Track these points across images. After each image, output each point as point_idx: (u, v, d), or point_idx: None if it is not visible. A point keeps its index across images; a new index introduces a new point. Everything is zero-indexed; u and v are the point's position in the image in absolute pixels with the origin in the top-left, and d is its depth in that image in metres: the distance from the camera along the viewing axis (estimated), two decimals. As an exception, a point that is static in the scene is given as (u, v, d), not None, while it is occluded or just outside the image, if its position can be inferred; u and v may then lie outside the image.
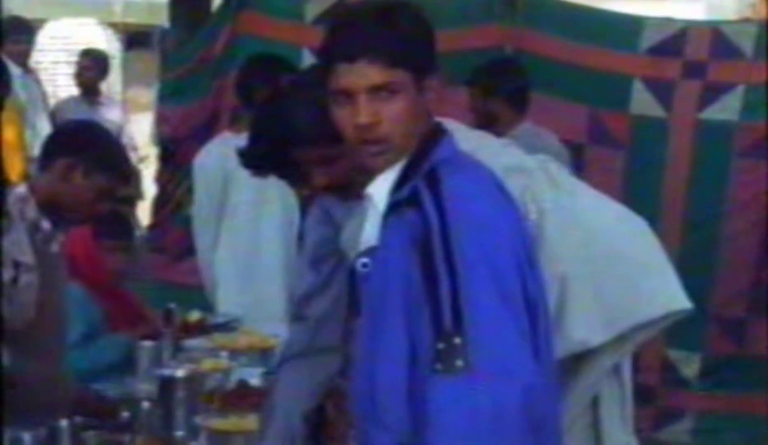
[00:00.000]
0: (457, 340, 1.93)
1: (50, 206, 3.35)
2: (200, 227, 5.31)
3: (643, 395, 5.48)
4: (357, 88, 2.05)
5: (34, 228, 3.29)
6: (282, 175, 2.71)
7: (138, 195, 4.83)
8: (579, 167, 5.52)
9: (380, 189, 2.10)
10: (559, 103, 5.54)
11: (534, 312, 2.02)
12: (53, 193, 3.36)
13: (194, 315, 4.60)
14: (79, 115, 7.73)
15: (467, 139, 2.34)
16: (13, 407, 2.98)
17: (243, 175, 5.17)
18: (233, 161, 5.36)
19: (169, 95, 6.13)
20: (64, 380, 3.50)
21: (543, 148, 3.56)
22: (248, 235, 5.26)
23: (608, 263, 2.71)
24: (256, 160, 2.68)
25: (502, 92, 4.93)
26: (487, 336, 1.93)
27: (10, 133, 6.27)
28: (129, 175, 3.62)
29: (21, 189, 3.38)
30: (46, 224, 3.31)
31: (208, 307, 5.13)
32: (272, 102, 2.70)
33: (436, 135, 2.12)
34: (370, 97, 2.05)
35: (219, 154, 5.23)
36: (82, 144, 3.41)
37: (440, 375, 1.93)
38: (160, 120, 6.34)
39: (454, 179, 2.04)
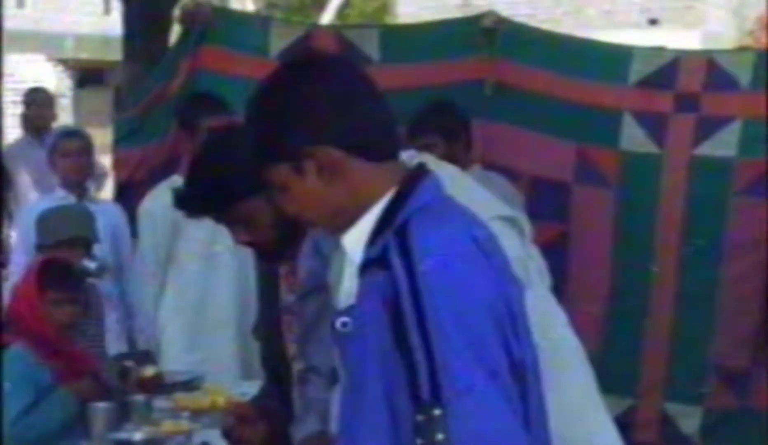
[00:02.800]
0: (437, 411, 1.92)
1: None
2: (144, 278, 5.29)
3: (639, 453, 5.49)
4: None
5: None
6: (217, 220, 2.83)
7: (94, 237, 4.81)
8: (565, 208, 5.55)
9: (355, 241, 2.10)
10: (543, 140, 5.56)
11: (521, 377, 2.02)
12: None
13: (149, 370, 4.58)
14: (29, 158, 7.74)
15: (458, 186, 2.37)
16: None
17: (192, 223, 5.26)
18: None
19: (124, 136, 6.12)
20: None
21: (496, 196, 3.59)
22: (197, 287, 5.25)
23: None
24: (187, 204, 2.83)
25: (442, 133, 4.94)
26: (467, 406, 1.92)
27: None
28: None
29: None
30: None
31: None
32: (206, 146, 2.84)
33: (414, 181, 2.12)
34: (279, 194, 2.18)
35: (167, 200, 5.21)
36: None
37: None
38: (116, 163, 6.33)
39: (426, 237, 2.02)
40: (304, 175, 2.10)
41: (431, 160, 4.00)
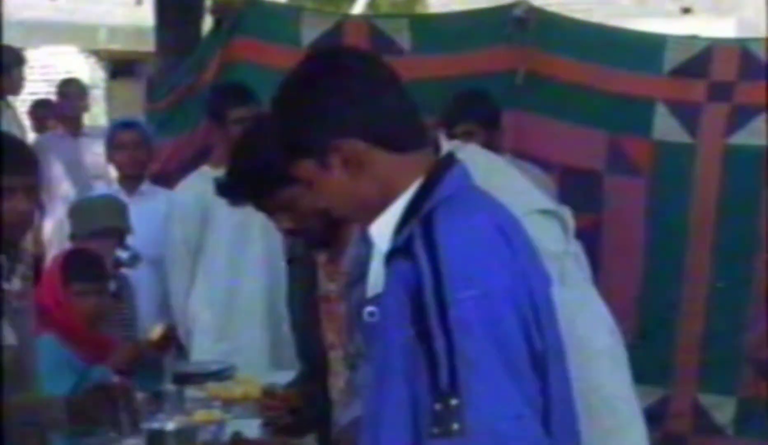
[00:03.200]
0: (454, 401, 1.93)
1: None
2: (174, 269, 5.31)
3: (673, 444, 5.48)
4: None
5: None
6: (259, 208, 2.82)
7: (127, 228, 4.83)
8: (597, 198, 5.54)
9: (382, 230, 2.12)
10: (575, 129, 5.56)
11: (543, 369, 2.02)
12: None
13: (155, 330, 4.58)
14: (62, 150, 7.79)
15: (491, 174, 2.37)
16: None
17: (223, 212, 5.30)
18: (212, 199, 5.46)
19: (156, 128, 6.15)
20: (49, 401, 3.53)
21: None
22: (227, 278, 5.26)
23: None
24: (230, 191, 2.82)
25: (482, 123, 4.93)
26: (484, 398, 1.93)
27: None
28: (20, 165, 3.56)
29: None
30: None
31: (182, 354, 5.14)
32: (246, 134, 2.84)
33: (441, 170, 2.12)
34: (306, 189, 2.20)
35: (197, 189, 5.25)
36: None
37: (437, 439, 1.94)
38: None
39: (451, 226, 2.03)
40: (329, 169, 2.11)
41: (475, 150, 4.02)
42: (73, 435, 3.96)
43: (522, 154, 5.31)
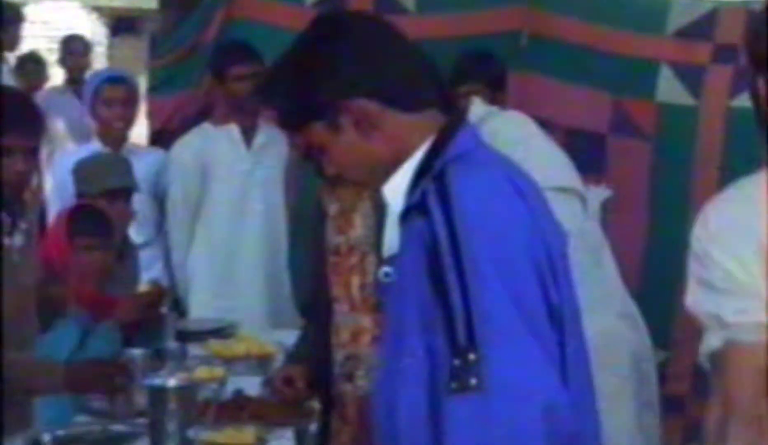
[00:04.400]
0: (472, 356, 1.93)
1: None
2: (174, 225, 5.32)
3: (672, 406, 5.50)
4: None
5: None
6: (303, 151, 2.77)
7: (134, 187, 4.82)
8: (601, 160, 5.54)
9: (395, 190, 2.12)
10: (579, 91, 5.55)
11: (559, 322, 2.03)
12: None
13: (142, 287, 4.59)
14: (64, 106, 7.78)
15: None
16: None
17: (223, 169, 5.29)
18: (212, 155, 5.43)
19: (158, 84, 6.14)
20: (48, 367, 3.56)
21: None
22: (227, 235, 5.28)
23: None
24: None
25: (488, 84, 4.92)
26: (502, 352, 1.94)
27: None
28: (24, 123, 3.51)
29: None
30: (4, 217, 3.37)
31: (181, 311, 5.16)
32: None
33: (452, 129, 2.13)
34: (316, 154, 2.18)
35: (196, 146, 5.26)
36: None
37: (455, 394, 1.94)
38: (150, 111, 6.36)
39: (465, 180, 2.03)
40: (340, 131, 2.11)
41: (511, 119, 4.01)
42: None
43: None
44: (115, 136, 5.44)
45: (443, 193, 2.02)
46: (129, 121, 5.52)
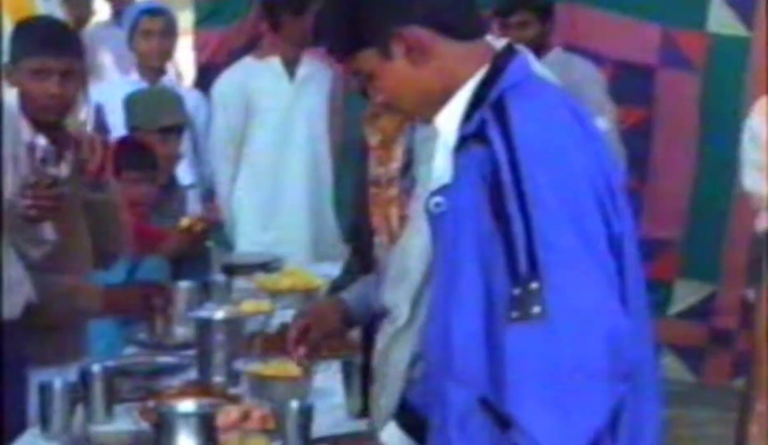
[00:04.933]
0: (534, 285, 1.92)
1: (36, 121, 3.48)
2: (218, 159, 5.34)
3: (720, 340, 5.49)
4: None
5: (30, 150, 3.38)
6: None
7: (187, 123, 4.83)
8: (649, 93, 5.50)
9: (449, 121, 2.10)
10: (628, 23, 5.49)
11: (619, 250, 2.01)
12: (25, 105, 3.50)
13: (184, 221, 4.59)
14: (111, 41, 7.76)
15: None
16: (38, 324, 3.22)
17: (267, 102, 5.28)
18: (255, 89, 5.43)
19: (204, 18, 6.13)
20: (90, 289, 3.62)
21: (576, 80, 3.55)
22: (271, 168, 5.28)
23: None
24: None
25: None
26: (564, 280, 1.92)
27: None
28: (55, 44, 3.56)
29: (13, 109, 3.50)
30: (41, 142, 3.39)
31: (227, 245, 5.18)
32: None
33: (506, 58, 2.10)
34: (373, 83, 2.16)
35: (239, 80, 5.26)
36: (10, 41, 3.54)
37: (516, 324, 1.93)
38: (197, 45, 6.35)
39: (524, 107, 2.01)
40: (392, 58, 2.09)
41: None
42: (124, 323, 4.04)
43: (574, 48, 5.26)
44: (153, 68, 5.46)
45: (503, 120, 2.00)
46: (167, 53, 5.53)
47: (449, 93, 2.09)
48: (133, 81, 5.40)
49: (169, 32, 5.51)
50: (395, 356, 2.65)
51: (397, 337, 2.67)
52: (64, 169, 3.41)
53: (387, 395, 2.57)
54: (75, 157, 3.50)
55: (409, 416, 2.28)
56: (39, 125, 3.53)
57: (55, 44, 3.51)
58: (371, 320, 2.87)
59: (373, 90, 2.17)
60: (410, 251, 2.65)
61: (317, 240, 5.29)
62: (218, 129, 5.32)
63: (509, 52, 2.12)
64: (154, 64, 5.47)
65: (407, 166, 2.92)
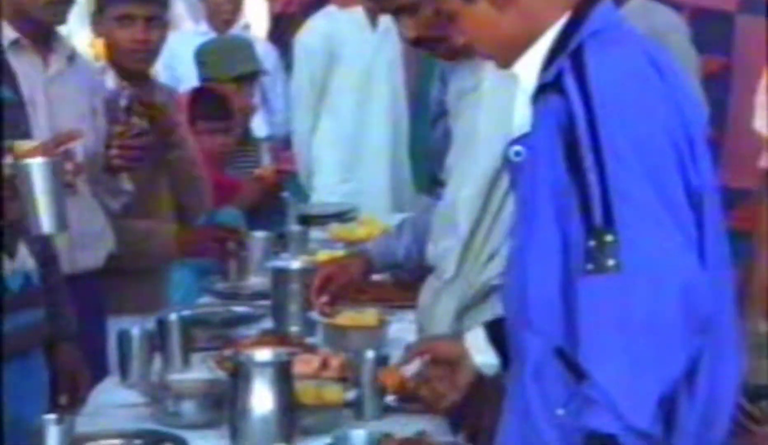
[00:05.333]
0: (609, 237, 1.91)
1: (121, 68, 3.58)
2: (299, 109, 5.35)
3: None
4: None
5: (114, 98, 3.43)
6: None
7: (260, 68, 4.85)
8: (727, 42, 5.40)
9: (528, 68, 2.08)
10: (706, -32, 5.41)
11: (698, 205, 1.99)
12: (108, 57, 3.59)
13: (258, 171, 4.59)
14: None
15: None
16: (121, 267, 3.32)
17: (350, 53, 5.27)
18: (339, 39, 5.42)
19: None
20: (166, 232, 3.69)
21: (658, 29, 3.48)
22: (352, 118, 5.27)
23: None
24: None
25: None
26: (640, 232, 1.91)
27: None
28: None
29: (100, 62, 3.60)
30: (126, 90, 3.44)
31: (303, 195, 5.19)
32: None
33: (589, 5, 2.07)
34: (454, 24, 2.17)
35: (322, 30, 5.25)
36: None
37: (591, 275, 1.92)
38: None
39: (601, 57, 1.99)
40: (475, 1, 2.08)
41: None
42: (200, 273, 4.08)
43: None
44: (223, 19, 5.51)
45: (580, 70, 1.97)
46: (238, 3, 5.58)
47: (530, 39, 2.07)
48: (203, 31, 5.46)
49: None
50: (439, 309, 2.64)
51: (442, 291, 2.66)
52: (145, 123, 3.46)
53: None
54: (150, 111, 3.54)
55: (498, 329, 2.26)
56: (125, 74, 3.58)
57: None
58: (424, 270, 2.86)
59: (454, 31, 2.15)
60: (456, 204, 2.64)
61: (396, 190, 5.28)
62: (300, 78, 5.32)
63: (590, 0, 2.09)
64: (225, 16, 5.53)
65: (436, 118, 2.90)
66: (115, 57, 3.63)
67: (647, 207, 1.92)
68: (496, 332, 2.25)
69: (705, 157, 2.05)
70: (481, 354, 2.27)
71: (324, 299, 2.97)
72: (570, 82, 1.97)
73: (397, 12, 2.70)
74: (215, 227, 3.89)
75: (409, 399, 2.50)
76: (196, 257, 3.92)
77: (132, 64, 3.61)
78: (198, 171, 3.86)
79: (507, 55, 2.12)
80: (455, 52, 2.66)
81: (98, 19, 3.64)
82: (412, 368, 2.36)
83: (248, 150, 4.85)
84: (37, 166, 2.41)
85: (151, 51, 3.66)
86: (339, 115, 5.29)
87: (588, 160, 1.93)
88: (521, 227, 2.06)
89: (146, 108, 3.49)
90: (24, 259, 2.79)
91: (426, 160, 3.65)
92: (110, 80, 3.62)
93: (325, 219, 4.66)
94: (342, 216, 4.73)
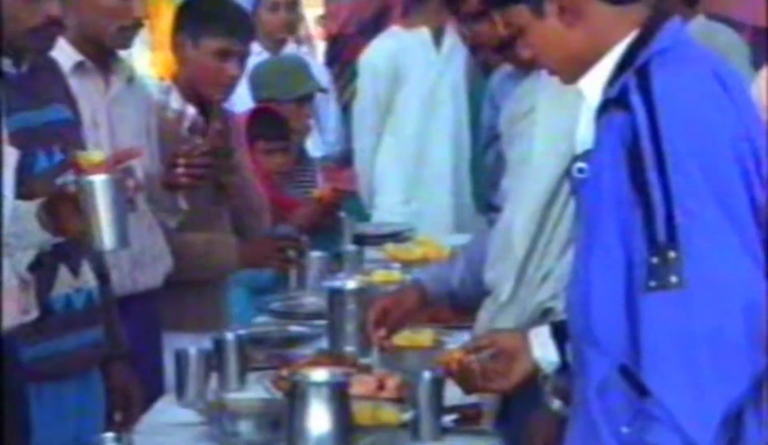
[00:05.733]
0: (672, 254, 1.91)
1: (191, 91, 3.62)
2: (362, 128, 5.35)
3: None
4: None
5: (178, 119, 3.46)
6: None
7: (320, 88, 4.87)
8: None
9: (593, 83, 2.09)
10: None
11: (764, 223, 1.97)
12: (181, 76, 3.64)
13: (316, 192, 4.60)
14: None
15: None
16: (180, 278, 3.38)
17: (415, 74, 5.27)
18: (404, 59, 5.42)
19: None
20: (226, 243, 3.72)
21: (719, 48, 3.45)
22: (416, 138, 5.27)
23: None
24: None
25: None
26: (704, 249, 1.91)
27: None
28: (240, 28, 3.69)
29: (165, 82, 3.57)
30: (190, 111, 3.47)
31: (364, 215, 5.19)
32: None
33: (657, 23, 2.08)
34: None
35: (388, 50, 5.25)
36: (183, 15, 3.66)
37: (654, 292, 1.92)
38: (327, 16, 6.38)
39: (667, 74, 1.99)
40: (544, 16, 2.09)
41: None
42: (256, 292, 4.09)
43: (713, 16, 5.16)
44: (277, 39, 5.55)
45: (645, 87, 1.98)
46: (292, 25, 5.63)
47: (597, 56, 2.08)
48: (256, 52, 5.46)
49: (294, 5, 5.67)
50: None
51: (498, 314, 2.66)
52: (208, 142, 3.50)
53: None
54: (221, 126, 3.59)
55: (563, 330, 2.25)
56: (192, 98, 3.62)
57: (241, 27, 3.63)
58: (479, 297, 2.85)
59: (521, 45, 2.16)
60: (512, 227, 2.63)
61: (458, 210, 5.27)
62: (364, 98, 5.32)
63: (661, 16, 2.09)
64: (279, 35, 5.56)
65: (488, 143, 2.91)
66: (196, 84, 3.66)
67: (712, 224, 1.92)
68: (562, 333, 2.25)
69: None
70: (542, 349, 2.29)
71: (382, 332, 2.98)
72: (635, 98, 1.98)
73: (469, 17, 2.71)
74: (274, 237, 3.90)
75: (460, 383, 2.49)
76: (256, 267, 3.94)
77: (215, 95, 3.65)
78: (256, 193, 3.88)
79: (572, 71, 2.12)
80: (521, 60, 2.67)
81: (186, 44, 3.66)
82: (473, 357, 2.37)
83: (305, 170, 4.87)
84: (100, 183, 2.43)
85: (235, 86, 3.73)
86: (402, 135, 5.29)
87: (652, 175, 1.93)
88: (585, 243, 2.06)
89: (209, 130, 3.53)
90: (87, 277, 2.81)
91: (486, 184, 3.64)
92: (174, 101, 3.65)
93: (381, 239, 4.66)
94: (398, 236, 4.73)
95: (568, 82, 2.16)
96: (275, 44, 5.58)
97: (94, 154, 2.61)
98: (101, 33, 3.26)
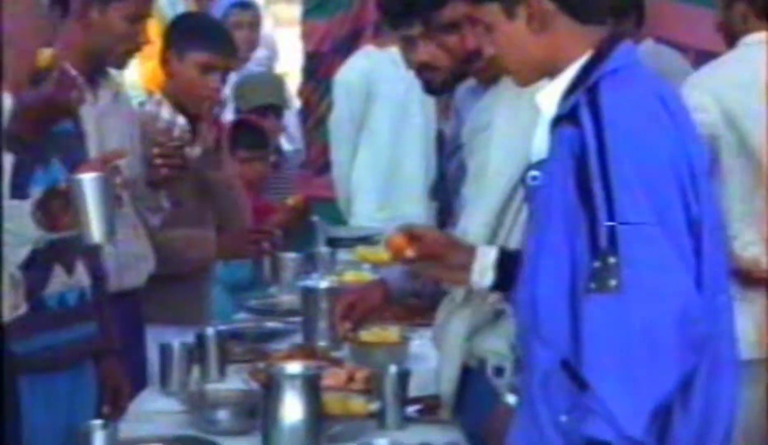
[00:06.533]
0: (612, 259, 1.94)
1: (179, 103, 3.62)
2: (339, 140, 5.36)
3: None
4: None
5: (169, 129, 3.46)
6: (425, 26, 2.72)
7: (285, 104, 4.89)
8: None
9: (549, 98, 2.12)
10: (706, 13, 5.41)
11: (698, 232, 2.01)
12: (169, 89, 3.65)
13: (290, 200, 4.62)
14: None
15: None
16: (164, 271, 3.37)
17: (386, 89, 5.27)
18: (376, 76, 5.43)
19: (312, 9, 6.15)
20: (205, 238, 3.73)
21: (665, 69, 3.48)
22: (390, 149, 5.28)
23: None
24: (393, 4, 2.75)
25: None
26: (641, 257, 1.94)
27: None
28: (222, 44, 3.70)
29: (156, 95, 3.58)
30: (180, 121, 3.47)
31: (342, 222, 5.20)
32: None
33: (611, 45, 2.11)
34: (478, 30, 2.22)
35: (361, 69, 5.26)
36: (171, 32, 3.68)
37: (594, 294, 1.95)
38: (304, 34, 6.38)
39: (615, 94, 2.02)
40: (514, 19, 2.11)
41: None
42: (234, 290, 4.10)
43: (658, 39, 5.20)
44: (240, 58, 5.56)
45: (595, 104, 2.01)
46: (253, 43, 5.63)
47: (553, 67, 2.11)
48: None
49: (256, 24, 5.67)
50: (452, 330, 2.66)
51: (453, 314, 2.68)
52: (196, 151, 3.50)
53: (447, 363, 2.64)
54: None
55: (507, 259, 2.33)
56: (178, 108, 3.62)
57: (222, 43, 3.64)
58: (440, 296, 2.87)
59: (485, 41, 2.17)
60: (468, 233, 2.65)
61: (430, 218, 5.28)
62: (340, 113, 5.33)
63: (616, 38, 2.12)
64: (242, 55, 5.54)
65: (451, 152, 2.91)
66: (182, 98, 3.65)
67: (649, 234, 1.95)
68: (506, 262, 2.32)
69: (706, 190, 2.07)
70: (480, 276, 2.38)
71: (348, 325, 2.99)
72: (585, 115, 2.01)
73: (440, 28, 2.69)
74: (251, 230, 3.91)
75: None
76: (232, 258, 3.95)
77: (198, 109, 3.65)
78: (238, 193, 3.89)
79: (528, 76, 2.15)
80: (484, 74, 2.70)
81: (173, 59, 3.66)
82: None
83: (280, 176, 4.88)
84: (89, 181, 2.46)
85: (219, 99, 3.74)
86: (376, 147, 5.30)
87: (597, 186, 1.97)
88: (535, 245, 2.08)
89: (198, 129, 3.56)
90: (80, 275, 2.81)
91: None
92: (165, 112, 3.65)
93: (352, 242, 4.67)
94: (368, 239, 4.74)
95: (522, 85, 2.18)
96: (242, 65, 5.57)
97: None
98: (107, 54, 3.27)
